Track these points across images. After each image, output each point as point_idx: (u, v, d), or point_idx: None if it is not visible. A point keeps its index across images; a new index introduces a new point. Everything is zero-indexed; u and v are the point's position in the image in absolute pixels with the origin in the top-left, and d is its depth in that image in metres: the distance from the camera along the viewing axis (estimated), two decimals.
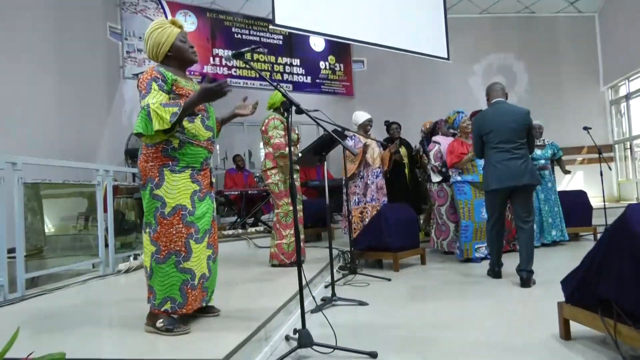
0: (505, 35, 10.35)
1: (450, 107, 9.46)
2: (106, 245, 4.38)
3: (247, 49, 2.54)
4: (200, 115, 2.41)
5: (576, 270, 2.19)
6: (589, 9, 10.20)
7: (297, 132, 4.40)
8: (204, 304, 2.53)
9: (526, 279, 3.61)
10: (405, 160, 6.29)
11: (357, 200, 5.23)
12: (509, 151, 3.75)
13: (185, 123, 2.33)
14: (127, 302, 3.21)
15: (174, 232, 2.30)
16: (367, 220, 5.09)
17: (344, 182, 5.20)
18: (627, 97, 9.58)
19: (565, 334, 2.30)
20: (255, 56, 9.28)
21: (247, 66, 9.07)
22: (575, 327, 2.30)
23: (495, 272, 4.00)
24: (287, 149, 4.08)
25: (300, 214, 4.36)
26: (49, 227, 4.64)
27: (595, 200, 6.58)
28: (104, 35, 7.72)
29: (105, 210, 4.38)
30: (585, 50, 10.19)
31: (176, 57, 2.44)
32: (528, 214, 3.78)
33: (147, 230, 2.35)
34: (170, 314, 2.34)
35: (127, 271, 4.36)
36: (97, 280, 4.10)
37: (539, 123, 5.99)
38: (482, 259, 4.83)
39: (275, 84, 2.58)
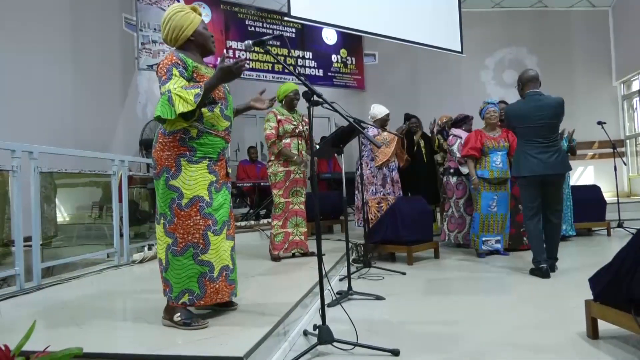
0: (518, 29, 10.22)
1: (461, 100, 9.49)
2: (121, 235, 4.37)
3: (268, 37, 2.48)
4: (219, 104, 2.36)
5: (607, 268, 2.14)
6: (602, 3, 10.04)
7: (300, 124, 4.29)
8: (232, 298, 2.49)
9: (550, 266, 3.68)
10: (424, 151, 6.23)
11: (374, 191, 5.16)
12: (544, 145, 3.75)
13: (204, 112, 2.29)
14: (142, 294, 3.19)
15: (192, 224, 2.25)
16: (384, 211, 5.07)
17: (357, 174, 5.16)
18: None
19: (593, 332, 2.25)
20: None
21: (266, 56, 9.03)
22: (603, 326, 2.25)
23: (542, 270, 3.68)
24: (275, 139, 4.17)
25: (301, 207, 4.33)
26: (64, 216, 4.64)
27: (606, 196, 6.50)
28: (119, 27, 7.69)
29: (120, 200, 4.37)
30: (598, 44, 10.04)
31: (197, 44, 2.39)
32: (558, 204, 3.83)
33: (162, 221, 2.30)
34: (188, 307, 2.31)
35: (141, 261, 4.35)
36: (112, 270, 4.10)
37: None
38: (490, 252, 4.82)
39: (297, 72, 2.53)
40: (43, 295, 3.20)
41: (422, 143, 6.28)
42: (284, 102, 4.32)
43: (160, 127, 2.29)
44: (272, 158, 4.27)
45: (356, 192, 5.37)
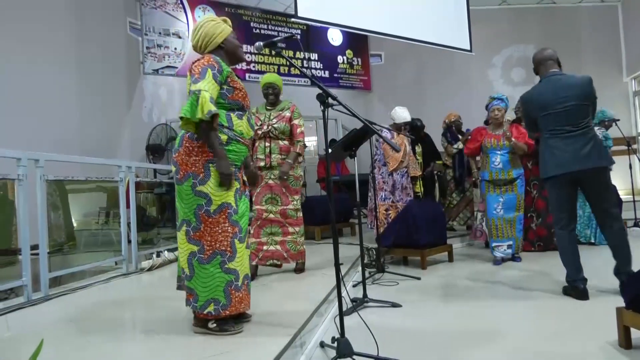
0: (526, 26, 10.08)
1: (468, 100, 9.38)
2: (129, 242, 4.30)
3: (279, 37, 2.42)
4: (247, 113, 2.38)
5: (639, 274, 2.04)
6: None
7: (266, 123, 3.70)
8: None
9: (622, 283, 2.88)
10: (419, 159, 6.19)
11: (383, 197, 5.09)
12: (573, 133, 3.05)
13: (234, 119, 2.31)
14: (152, 303, 3.12)
15: (220, 231, 2.21)
16: (391, 218, 4.98)
17: (370, 176, 5.08)
18: None
19: (626, 342, 2.14)
20: (273, 51, 9.14)
21: (272, 58, 8.97)
22: (636, 334, 2.14)
23: (578, 290, 3.06)
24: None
25: (277, 216, 3.72)
26: (72, 223, 4.59)
27: (621, 194, 6.36)
28: (124, 31, 7.65)
29: (127, 206, 4.30)
30: (608, 40, 9.89)
31: (227, 51, 2.40)
32: (609, 205, 3.03)
33: (185, 227, 2.24)
34: (212, 318, 2.23)
35: (150, 269, 4.27)
36: (120, 278, 4.02)
37: None
38: (503, 260, 4.53)
39: (310, 74, 2.46)
40: (51, 306, 3.12)
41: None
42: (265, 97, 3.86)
43: (186, 132, 2.25)
44: None
45: (369, 194, 5.30)
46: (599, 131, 5.45)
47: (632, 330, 2.14)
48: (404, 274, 4.10)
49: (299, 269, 3.81)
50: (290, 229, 3.75)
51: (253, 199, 3.65)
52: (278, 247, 3.74)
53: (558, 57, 3.27)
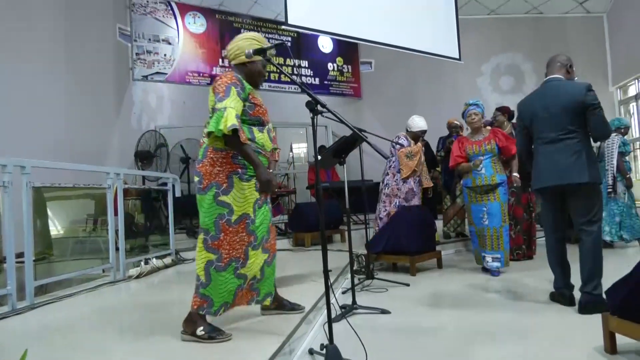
0: (514, 35, 10.23)
1: (458, 107, 9.41)
2: (117, 249, 4.26)
3: (269, 45, 2.44)
4: (267, 126, 2.49)
5: (624, 280, 2.06)
6: (597, 9, 10.07)
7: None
8: (252, 304, 2.57)
9: (583, 303, 2.86)
10: None
11: (397, 203, 4.98)
12: (556, 142, 2.96)
13: (256, 133, 2.41)
14: (140, 311, 3.08)
15: (238, 239, 2.33)
16: None
17: (384, 184, 5.06)
18: (637, 97, 9.44)
19: (611, 347, 2.16)
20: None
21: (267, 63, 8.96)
22: (621, 340, 2.16)
23: (564, 296, 3.07)
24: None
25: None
26: (58, 230, 4.53)
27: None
28: (113, 37, 7.62)
29: (115, 214, 4.26)
30: (594, 50, 10.06)
31: (248, 73, 2.47)
32: (584, 221, 2.94)
33: (203, 236, 2.33)
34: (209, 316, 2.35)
35: (138, 276, 4.24)
36: (108, 286, 3.98)
37: None
38: (487, 270, 4.40)
39: (299, 82, 2.47)
40: (36, 315, 3.07)
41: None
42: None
43: (209, 145, 2.34)
44: None
45: (379, 202, 5.21)
46: (616, 137, 5.57)
47: (618, 336, 2.16)
48: (393, 280, 4.11)
49: None
50: None
51: None
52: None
53: (570, 64, 3.13)
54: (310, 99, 2.23)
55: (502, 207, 4.31)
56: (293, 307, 2.74)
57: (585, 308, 2.84)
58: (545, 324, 2.80)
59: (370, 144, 2.34)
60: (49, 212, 4.29)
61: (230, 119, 2.15)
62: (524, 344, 2.46)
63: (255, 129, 2.41)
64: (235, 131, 2.16)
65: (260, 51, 2.33)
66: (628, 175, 5.63)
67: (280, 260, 4.24)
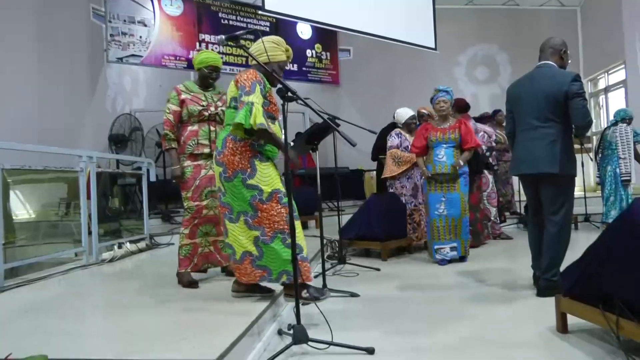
0: (490, 26, 10.39)
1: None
2: (89, 233, 4.24)
3: (242, 32, 2.47)
4: (277, 119, 2.70)
5: (577, 263, 2.18)
6: (571, 2, 10.30)
7: (213, 104, 3.28)
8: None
9: (542, 287, 2.96)
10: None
11: (404, 202, 4.95)
12: (535, 129, 2.97)
13: (270, 125, 2.54)
14: (111, 295, 3.11)
15: (275, 213, 2.52)
16: (421, 222, 4.94)
17: (387, 183, 5.08)
18: (606, 89, 9.73)
19: (563, 327, 2.30)
20: (241, 42, 9.09)
21: (240, 50, 8.91)
22: (572, 320, 2.30)
23: (534, 277, 3.20)
24: (171, 128, 3.20)
25: (216, 212, 3.12)
26: (29, 214, 4.48)
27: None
28: (87, 17, 7.45)
29: (88, 197, 4.23)
30: (567, 42, 10.24)
31: (266, 73, 2.62)
32: (552, 207, 2.98)
33: (242, 217, 2.56)
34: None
35: (111, 260, 4.24)
36: (80, 270, 3.97)
37: None
38: (447, 262, 4.26)
39: (269, 70, 2.51)
40: (6, 298, 3.06)
41: None
42: (198, 75, 3.34)
43: (228, 134, 2.57)
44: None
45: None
46: (629, 127, 5.72)
47: (570, 316, 2.29)
48: (364, 265, 4.21)
49: (230, 272, 3.31)
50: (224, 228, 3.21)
51: (189, 194, 3.18)
52: (211, 248, 3.30)
53: (564, 49, 3.07)
54: (281, 86, 2.28)
55: (462, 197, 4.25)
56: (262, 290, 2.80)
57: (542, 292, 2.95)
58: (503, 306, 2.94)
59: (339, 132, 2.39)
60: (19, 195, 4.23)
61: (259, 116, 2.40)
62: (482, 327, 2.58)
63: (269, 121, 2.57)
64: (264, 130, 2.42)
65: (233, 37, 2.36)
66: None
67: None
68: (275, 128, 2.66)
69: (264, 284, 2.76)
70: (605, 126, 5.97)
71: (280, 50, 2.72)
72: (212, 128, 3.25)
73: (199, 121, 3.22)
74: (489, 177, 5.43)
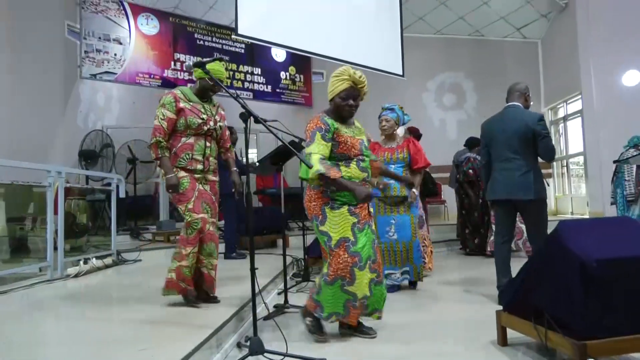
0: (457, 55, 10.84)
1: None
2: (55, 249, 4.25)
3: (208, 59, 2.60)
4: (354, 160, 2.69)
5: (513, 280, 2.37)
6: (533, 35, 10.85)
7: (212, 118, 3.17)
8: (360, 318, 2.79)
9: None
10: None
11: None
12: (509, 160, 3.40)
13: (342, 168, 2.66)
14: (73, 309, 3.14)
15: (341, 261, 2.60)
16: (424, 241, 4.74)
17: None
18: (565, 118, 10.22)
19: (503, 340, 2.47)
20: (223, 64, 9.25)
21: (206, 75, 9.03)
22: (512, 334, 2.47)
23: (498, 295, 3.35)
24: (163, 136, 2.99)
25: (213, 229, 3.13)
26: None
27: None
28: (61, 33, 7.48)
29: (55, 212, 4.25)
30: (529, 73, 10.73)
31: (334, 108, 2.73)
32: (535, 230, 3.39)
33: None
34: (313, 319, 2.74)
35: (76, 275, 4.24)
36: (44, 284, 3.97)
37: None
38: (397, 288, 4.05)
39: (233, 92, 2.64)
40: None
41: None
42: (198, 84, 3.16)
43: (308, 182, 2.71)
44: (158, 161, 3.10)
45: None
46: (635, 152, 6.00)
47: (508, 330, 2.47)
48: None
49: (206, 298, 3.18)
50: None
51: (190, 206, 2.98)
52: (213, 273, 3.15)
53: (527, 93, 3.56)
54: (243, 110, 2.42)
55: (412, 220, 4.04)
56: (366, 332, 2.82)
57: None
58: (451, 320, 3.14)
59: (297, 154, 2.55)
60: None
61: (315, 164, 2.50)
62: (429, 340, 2.75)
63: (341, 164, 2.66)
64: (321, 174, 2.50)
65: (199, 64, 2.49)
66: None
67: (224, 262, 4.39)
68: (350, 170, 2.66)
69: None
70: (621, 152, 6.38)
71: (339, 80, 2.67)
72: (207, 144, 3.12)
73: (196, 134, 3.07)
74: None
